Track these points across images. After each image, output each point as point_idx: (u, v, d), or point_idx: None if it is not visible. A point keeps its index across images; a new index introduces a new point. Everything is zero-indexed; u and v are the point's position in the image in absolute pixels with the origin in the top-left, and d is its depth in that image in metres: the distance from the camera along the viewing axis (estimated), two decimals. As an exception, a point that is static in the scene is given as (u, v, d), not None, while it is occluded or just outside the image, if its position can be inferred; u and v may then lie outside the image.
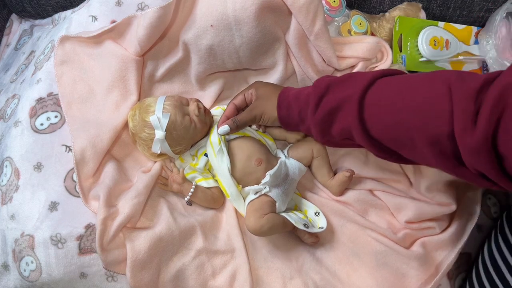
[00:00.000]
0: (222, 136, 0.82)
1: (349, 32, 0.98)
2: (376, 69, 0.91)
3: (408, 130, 0.56)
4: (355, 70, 0.91)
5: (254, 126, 0.93)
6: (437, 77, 0.57)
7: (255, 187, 0.80)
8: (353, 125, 0.62)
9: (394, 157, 0.64)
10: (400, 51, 0.98)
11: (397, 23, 0.97)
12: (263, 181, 0.80)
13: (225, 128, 0.79)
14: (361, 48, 0.90)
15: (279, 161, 0.83)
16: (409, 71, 0.94)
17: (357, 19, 0.99)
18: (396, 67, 0.90)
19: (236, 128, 0.79)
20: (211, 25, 0.82)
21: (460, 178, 0.58)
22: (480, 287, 0.79)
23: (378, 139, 0.62)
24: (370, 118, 0.61)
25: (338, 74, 0.93)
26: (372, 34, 1.00)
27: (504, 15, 0.95)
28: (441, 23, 1.00)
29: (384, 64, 0.91)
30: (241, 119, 0.78)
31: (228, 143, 0.84)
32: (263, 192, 0.80)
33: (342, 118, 0.64)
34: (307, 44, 0.88)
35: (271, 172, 0.80)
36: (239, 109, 0.81)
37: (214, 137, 0.82)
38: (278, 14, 0.84)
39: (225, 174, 0.81)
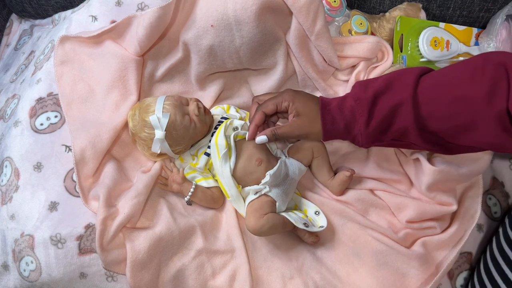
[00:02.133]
0: (231, 139, 0.82)
1: (350, 32, 0.98)
2: (377, 69, 0.91)
3: (471, 114, 0.58)
4: (356, 70, 0.91)
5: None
6: (483, 60, 0.59)
7: (255, 187, 0.80)
8: (410, 126, 0.64)
9: (444, 148, 0.66)
10: (401, 51, 0.98)
11: (398, 23, 0.97)
12: (263, 181, 0.80)
13: (263, 138, 0.75)
14: (361, 48, 0.90)
15: (279, 161, 0.83)
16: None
17: (358, 19, 0.99)
18: (396, 67, 0.90)
19: (274, 140, 0.75)
20: (212, 25, 0.82)
21: None
22: (481, 286, 0.79)
23: (436, 131, 0.63)
24: (428, 114, 0.62)
25: (339, 75, 0.93)
26: (373, 34, 1.00)
27: (505, 17, 0.95)
28: (441, 24, 1.00)
29: (385, 64, 0.91)
30: (282, 134, 0.73)
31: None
32: (263, 192, 0.80)
33: (397, 122, 0.65)
34: (308, 44, 0.88)
35: (271, 172, 0.80)
36: (267, 117, 0.77)
37: (221, 140, 0.81)
38: (279, 14, 0.84)
39: (227, 175, 0.81)
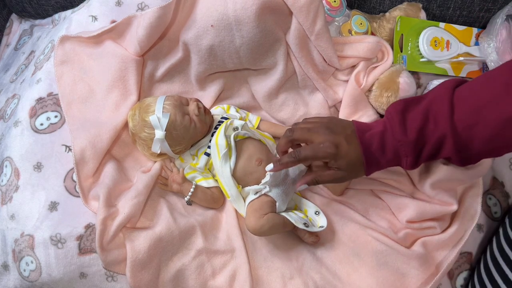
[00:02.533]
0: (231, 139, 0.82)
1: (350, 32, 0.98)
2: (377, 69, 0.91)
3: None
4: (356, 69, 0.91)
5: (253, 125, 0.93)
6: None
7: (255, 187, 0.80)
8: (452, 154, 0.64)
9: (466, 162, 0.67)
10: (401, 51, 0.98)
11: (398, 23, 0.97)
12: (263, 181, 0.80)
13: (304, 187, 0.72)
14: (361, 48, 0.90)
15: None
16: (410, 71, 0.94)
17: (358, 19, 0.99)
18: (397, 67, 0.90)
19: (315, 184, 0.71)
20: (212, 25, 0.82)
21: None
22: (481, 286, 0.79)
23: (480, 152, 0.64)
24: (469, 139, 0.62)
25: (339, 75, 0.93)
26: (373, 34, 1.00)
27: (505, 17, 0.95)
28: (441, 24, 1.00)
29: (385, 64, 0.91)
30: (323, 182, 0.70)
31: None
32: (263, 192, 0.80)
33: (441, 155, 0.66)
34: (308, 44, 0.88)
35: (268, 168, 0.80)
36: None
37: (221, 140, 0.81)
38: (279, 14, 0.84)
39: (227, 175, 0.81)
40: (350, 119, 0.88)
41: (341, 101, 0.92)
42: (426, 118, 0.65)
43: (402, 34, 0.97)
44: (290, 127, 0.72)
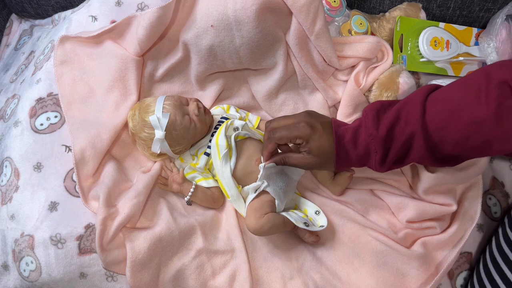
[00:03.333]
0: (232, 140, 0.82)
1: (350, 32, 0.98)
2: (377, 69, 0.91)
3: (484, 136, 0.60)
4: (356, 69, 0.91)
5: (253, 124, 0.93)
6: (485, 80, 0.59)
7: (254, 184, 0.80)
8: (424, 155, 0.65)
9: (456, 162, 0.68)
10: (401, 51, 0.98)
11: (398, 23, 0.97)
12: (259, 176, 0.80)
13: (271, 165, 0.76)
14: (361, 48, 0.90)
15: None
16: (410, 71, 0.94)
17: (358, 19, 0.99)
18: (396, 67, 0.90)
19: (282, 164, 0.75)
20: (212, 25, 0.82)
21: None
22: (480, 286, 0.79)
23: (450, 153, 0.65)
24: (440, 141, 0.63)
25: (339, 75, 0.93)
26: (372, 34, 1.00)
27: (505, 17, 0.95)
28: (441, 24, 1.00)
29: (385, 64, 0.91)
30: (291, 163, 0.73)
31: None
32: (262, 188, 0.80)
33: (411, 155, 0.67)
34: (308, 44, 0.88)
35: (262, 164, 0.80)
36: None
37: (222, 140, 0.81)
38: (279, 14, 0.84)
39: (227, 176, 0.81)
40: (349, 119, 0.89)
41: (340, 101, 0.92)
42: (397, 117, 0.66)
43: (402, 34, 0.97)
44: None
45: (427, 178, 0.81)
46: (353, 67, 0.93)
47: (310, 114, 0.72)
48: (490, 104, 0.58)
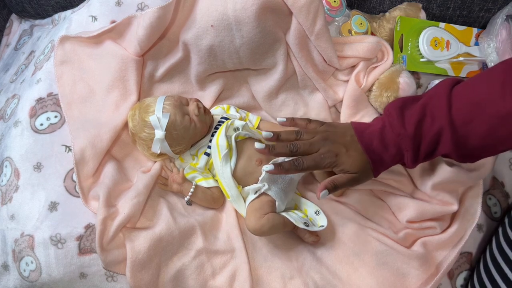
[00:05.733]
0: (232, 140, 0.82)
1: (350, 32, 0.98)
2: (377, 69, 0.91)
3: (508, 128, 0.60)
4: (356, 70, 0.91)
5: (254, 125, 0.93)
6: (509, 71, 0.60)
7: (254, 186, 0.80)
8: (451, 149, 0.64)
9: (475, 159, 0.68)
10: (401, 51, 0.98)
11: (398, 23, 0.97)
12: (260, 178, 0.80)
13: (324, 193, 0.69)
14: (361, 48, 0.90)
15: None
16: (410, 71, 0.94)
17: (358, 19, 0.99)
18: (396, 67, 0.90)
19: (334, 190, 0.70)
20: (212, 25, 0.82)
21: None
22: (481, 286, 0.79)
23: (477, 147, 0.64)
24: (467, 134, 0.63)
25: (339, 75, 0.93)
26: (373, 34, 1.00)
27: (505, 17, 0.95)
28: (442, 24, 1.00)
29: (385, 64, 0.91)
30: (341, 186, 0.69)
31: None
32: (262, 191, 0.80)
33: (439, 150, 0.66)
34: (308, 44, 0.88)
35: (264, 167, 0.80)
36: None
37: (222, 140, 0.81)
38: (279, 14, 0.84)
39: (227, 176, 0.81)
40: (351, 120, 0.88)
41: (341, 101, 0.92)
42: (423, 113, 0.65)
43: (402, 34, 0.97)
44: (295, 129, 0.72)
45: (442, 172, 0.80)
46: (353, 67, 0.93)
47: (330, 138, 0.69)
48: None
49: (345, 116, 0.90)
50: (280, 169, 0.68)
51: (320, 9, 0.83)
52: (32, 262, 0.75)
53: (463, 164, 0.82)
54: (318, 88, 0.93)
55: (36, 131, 0.84)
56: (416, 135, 0.65)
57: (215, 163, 0.83)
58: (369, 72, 0.92)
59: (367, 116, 0.89)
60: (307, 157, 0.68)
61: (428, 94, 0.67)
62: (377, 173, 0.70)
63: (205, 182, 0.84)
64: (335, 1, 0.98)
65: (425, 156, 0.67)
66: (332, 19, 0.99)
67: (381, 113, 0.92)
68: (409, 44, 0.98)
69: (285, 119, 0.73)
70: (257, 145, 0.68)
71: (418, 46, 0.97)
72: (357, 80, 0.91)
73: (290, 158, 0.69)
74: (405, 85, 0.89)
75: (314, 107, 0.93)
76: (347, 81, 0.92)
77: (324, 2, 0.96)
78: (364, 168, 0.68)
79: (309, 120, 0.73)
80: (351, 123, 0.71)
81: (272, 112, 0.94)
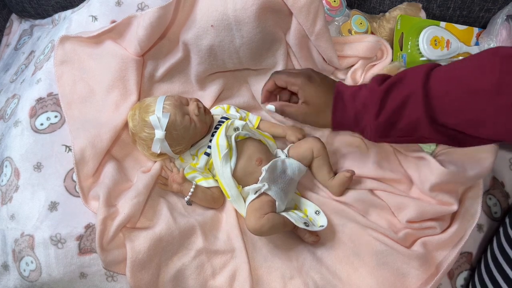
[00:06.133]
0: (232, 140, 0.82)
1: (350, 31, 0.98)
2: (375, 67, 0.91)
3: (480, 108, 0.59)
4: (353, 68, 0.91)
5: (254, 125, 0.93)
6: (491, 54, 0.60)
7: (254, 186, 0.80)
8: (421, 118, 0.64)
9: (456, 140, 0.67)
10: (401, 49, 0.98)
11: (398, 22, 0.96)
12: (260, 178, 0.80)
13: (271, 107, 0.77)
14: (361, 47, 0.90)
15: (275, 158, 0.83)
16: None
17: (358, 19, 0.99)
18: (395, 64, 0.90)
19: (280, 113, 0.77)
20: (212, 25, 0.82)
21: None
22: (482, 286, 0.79)
23: (446, 124, 0.64)
24: (438, 108, 0.63)
25: (339, 74, 0.94)
26: (372, 33, 1.00)
27: (505, 17, 0.95)
28: (442, 23, 1.00)
29: (384, 62, 0.91)
30: (288, 113, 0.76)
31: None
32: (262, 191, 0.80)
33: (408, 114, 0.66)
34: (308, 44, 0.88)
35: (266, 167, 0.80)
36: (278, 88, 0.79)
37: (222, 140, 0.81)
38: (279, 15, 0.84)
39: (227, 176, 0.81)
40: None
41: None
42: (401, 77, 0.67)
43: (402, 33, 0.97)
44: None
45: (440, 173, 0.80)
46: (352, 66, 0.93)
47: (314, 70, 0.76)
48: (492, 76, 0.57)
49: None
50: (263, 93, 0.78)
51: (320, 9, 0.83)
52: (32, 262, 0.75)
53: (462, 164, 0.81)
54: (318, 87, 0.92)
55: (36, 131, 0.84)
56: (386, 94, 0.66)
57: (215, 163, 0.83)
58: (367, 70, 0.92)
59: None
60: (284, 72, 0.76)
61: (413, 67, 0.68)
62: (334, 122, 0.71)
63: (205, 182, 0.84)
64: (335, 1, 0.98)
65: (389, 119, 0.67)
66: (332, 19, 0.99)
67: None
68: (409, 42, 0.98)
69: (273, 108, 0.76)
70: (267, 107, 0.77)
71: (418, 45, 0.97)
72: (353, 78, 0.91)
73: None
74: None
75: (314, 107, 0.93)
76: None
77: (324, 2, 0.97)
78: (321, 109, 0.71)
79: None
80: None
81: (272, 112, 0.94)
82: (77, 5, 1.04)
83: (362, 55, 0.90)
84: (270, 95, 0.79)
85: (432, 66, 0.65)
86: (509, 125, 0.58)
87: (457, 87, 0.61)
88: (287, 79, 0.74)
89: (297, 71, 0.76)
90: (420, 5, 0.99)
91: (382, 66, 0.91)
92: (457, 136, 0.66)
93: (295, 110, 0.74)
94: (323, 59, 0.89)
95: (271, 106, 0.77)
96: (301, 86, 0.73)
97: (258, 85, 0.93)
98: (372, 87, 0.68)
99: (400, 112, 0.66)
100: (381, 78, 0.69)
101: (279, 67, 0.89)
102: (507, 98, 0.56)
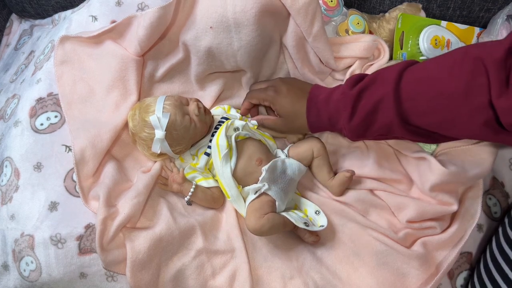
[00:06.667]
0: (232, 140, 0.82)
1: (347, 31, 0.98)
2: (373, 66, 0.91)
3: (450, 110, 0.60)
4: (351, 68, 0.91)
5: (253, 125, 0.93)
6: (462, 54, 0.60)
7: (254, 186, 0.80)
8: (394, 121, 0.65)
9: (431, 138, 0.68)
10: (401, 48, 0.98)
11: (399, 20, 0.96)
12: (260, 178, 0.80)
13: (254, 123, 0.85)
14: (357, 47, 0.90)
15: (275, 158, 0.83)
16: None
17: (355, 19, 0.99)
18: (392, 63, 0.90)
19: (262, 126, 0.86)
20: (211, 27, 0.82)
21: (504, 143, 0.68)
22: (481, 286, 0.79)
23: (418, 125, 0.65)
24: (410, 110, 0.63)
25: (336, 75, 0.93)
26: (371, 33, 1.00)
27: (505, 17, 0.95)
28: (443, 23, 1.00)
29: (381, 61, 0.91)
30: (267, 125, 0.84)
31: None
32: (262, 191, 0.80)
33: (380, 118, 0.66)
34: (305, 45, 0.88)
35: (266, 167, 0.80)
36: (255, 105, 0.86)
37: (222, 140, 0.81)
38: (277, 17, 0.84)
39: (227, 176, 0.81)
40: None
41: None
42: (373, 79, 0.67)
43: (403, 32, 0.97)
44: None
45: (441, 173, 0.79)
46: (350, 66, 0.93)
47: (282, 79, 0.80)
48: (461, 78, 0.57)
49: None
50: (242, 111, 0.86)
51: (318, 11, 0.83)
52: (32, 262, 0.75)
53: (462, 164, 0.81)
54: (315, 89, 0.93)
55: (36, 131, 0.84)
56: (358, 96, 0.67)
57: (215, 163, 0.83)
58: (365, 70, 0.92)
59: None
60: (256, 89, 0.81)
61: (386, 67, 0.68)
62: (310, 126, 0.74)
63: (205, 182, 0.84)
64: (332, 1, 0.98)
65: (362, 122, 0.67)
66: (329, 19, 0.99)
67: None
68: (410, 41, 0.98)
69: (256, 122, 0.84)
70: (250, 123, 0.85)
71: (418, 44, 0.97)
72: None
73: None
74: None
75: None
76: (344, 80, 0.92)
77: (321, 2, 0.96)
78: (294, 118, 0.74)
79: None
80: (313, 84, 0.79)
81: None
82: (77, 5, 1.04)
83: (359, 56, 0.90)
84: (251, 110, 0.85)
85: (405, 66, 0.65)
86: (478, 127, 0.59)
87: (428, 89, 0.61)
88: (259, 96, 0.80)
89: (266, 85, 0.81)
90: (420, 5, 0.99)
91: (380, 65, 0.91)
92: (430, 135, 0.67)
93: (272, 123, 0.80)
94: (320, 60, 0.89)
95: (253, 122, 0.85)
96: (271, 101, 0.77)
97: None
98: (344, 90, 0.69)
99: (373, 116, 0.66)
100: (355, 79, 0.70)
101: (276, 70, 0.89)
102: (477, 100, 0.57)
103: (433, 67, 0.62)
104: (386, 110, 0.64)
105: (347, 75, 0.91)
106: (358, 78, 0.70)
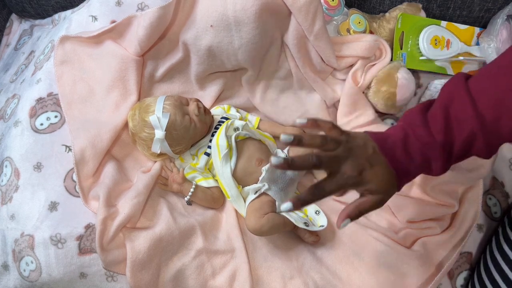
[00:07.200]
0: (232, 140, 0.82)
1: (348, 31, 0.98)
2: (375, 67, 0.91)
3: None
4: (353, 68, 0.91)
5: (253, 124, 0.93)
6: None
7: (254, 186, 0.80)
8: (482, 154, 0.61)
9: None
10: (401, 48, 0.98)
11: (399, 20, 0.96)
12: (260, 178, 0.80)
13: (347, 221, 0.61)
14: (359, 47, 0.90)
15: None
16: (409, 69, 0.94)
17: (356, 18, 0.99)
18: (395, 64, 0.90)
19: (360, 216, 0.62)
20: (211, 26, 0.82)
21: None
22: (481, 286, 0.79)
23: (503, 143, 0.61)
24: (495, 135, 0.59)
25: (338, 74, 0.93)
26: (371, 33, 1.00)
27: (505, 17, 0.95)
28: (443, 23, 0.99)
29: (383, 61, 0.91)
30: (366, 211, 0.61)
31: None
32: (262, 191, 0.80)
33: (469, 155, 0.62)
34: (306, 44, 0.88)
35: (265, 167, 0.80)
36: None
37: (222, 140, 0.81)
38: (278, 16, 0.84)
39: (227, 176, 0.81)
40: (348, 118, 0.89)
41: (339, 100, 0.92)
42: (447, 116, 0.60)
43: (402, 32, 0.97)
44: (318, 134, 0.60)
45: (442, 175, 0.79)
46: (351, 66, 0.93)
47: (350, 147, 0.59)
48: None
49: (342, 114, 0.91)
50: (299, 201, 0.56)
51: (319, 9, 0.83)
52: (32, 262, 0.75)
53: (462, 165, 0.81)
54: (315, 88, 0.93)
55: (36, 131, 0.84)
56: (446, 143, 0.60)
57: (215, 163, 0.83)
58: (367, 70, 0.92)
59: (363, 116, 0.90)
60: (330, 181, 0.58)
61: (443, 95, 0.62)
62: (400, 186, 0.62)
63: (205, 182, 0.84)
64: (333, 0, 0.98)
65: (455, 163, 0.62)
66: (330, 18, 0.99)
67: (378, 111, 0.92)
68: (409, 41, 0.98)
69: (305, 121, 0.57)
70: (274, 160, 0.52)
71: (418, 44, 0.97)
72: (354, 79, 0.91)
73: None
74: (404, 81, 0.89)
75: (312, 108, 0.93)
76: (346, 79, 0.92)
77: (322, 1, 0.96)
78: (389, 185, 0.60)
79: (333, 124, 0.59)
80: (366, 133, 0.63)
81: (270, 113, 0.94)
82: (77, 5, 1.04)
83: (361, 55, 0.90)
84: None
85: (465, 86, 0.60)
86: None
87: (510, 108, 0.56)
88: (339, 186, 0.58)
89: (338, 160, 0.58)
90: (420, 5, 0.99)
91: (381, 65, 0.91)
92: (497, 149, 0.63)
93: (370, 206, 0.61)
94: (321, 59, 0.89)
95: (346, 221, 0.61)
96: (357, 185, 0.59)
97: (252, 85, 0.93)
98: (423, 138, 0.60)
99: (463, 156, 0.62)
100: (422, 119, 0.61)
101: (277, 68, 0.89)
102: None
103: (501, 79, 0.57)
104: (477, 145, 0.60)
105: (349, 75, 0.90)
106: (420, 113, 0.62)
